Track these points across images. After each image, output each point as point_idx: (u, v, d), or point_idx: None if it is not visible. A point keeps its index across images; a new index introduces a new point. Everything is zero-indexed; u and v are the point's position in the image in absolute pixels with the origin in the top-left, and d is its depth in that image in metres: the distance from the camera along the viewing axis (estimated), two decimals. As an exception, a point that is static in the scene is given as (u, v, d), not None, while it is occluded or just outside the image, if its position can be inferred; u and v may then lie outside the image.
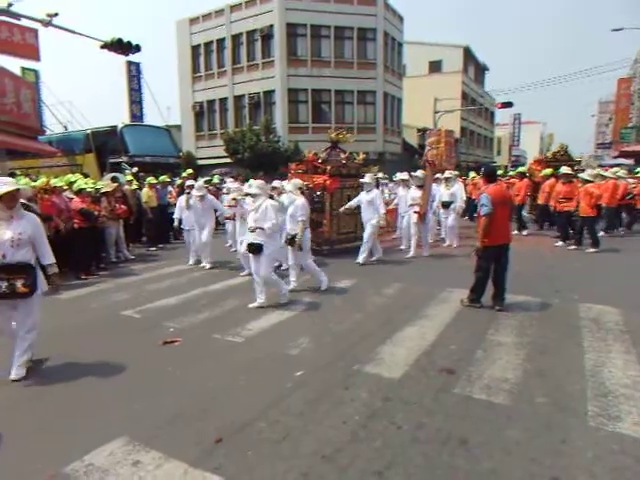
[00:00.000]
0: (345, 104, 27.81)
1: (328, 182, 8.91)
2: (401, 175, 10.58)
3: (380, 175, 12.64)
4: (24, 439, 3.00)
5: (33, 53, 16.48)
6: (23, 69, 21.30)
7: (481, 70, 48.62)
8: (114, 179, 11.15)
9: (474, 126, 45.28)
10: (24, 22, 15.04)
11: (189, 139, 30.86)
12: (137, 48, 13.14)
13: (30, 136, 14.70)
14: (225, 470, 2.61)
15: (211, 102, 29.90)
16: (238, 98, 28.61)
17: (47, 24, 12.17)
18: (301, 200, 6.35)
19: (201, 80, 30.23)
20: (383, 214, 8.19)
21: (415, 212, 8.83)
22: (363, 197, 8.41)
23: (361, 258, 8.32)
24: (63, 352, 4.52)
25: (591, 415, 3.14)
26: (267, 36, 26.59)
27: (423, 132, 31.51)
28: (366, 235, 8.34)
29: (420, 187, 9.02)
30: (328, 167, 9.17)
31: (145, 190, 11.08)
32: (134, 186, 11.36)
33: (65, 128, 22.18)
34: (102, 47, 12.62)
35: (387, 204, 9.95)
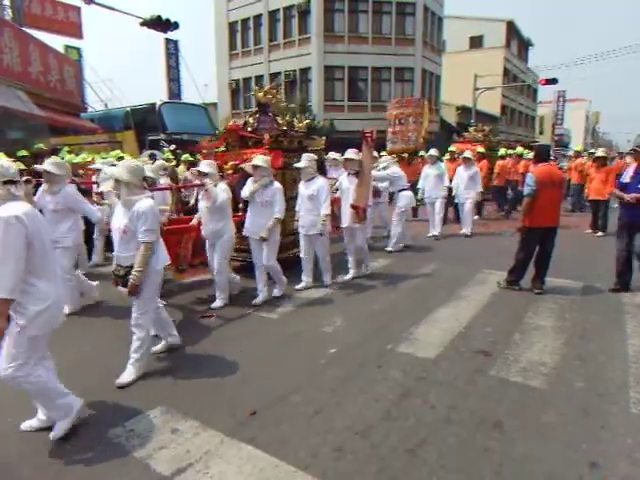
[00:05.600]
0: (382, 81, 27.15)
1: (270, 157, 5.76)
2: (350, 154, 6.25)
3: (335, 155, 8.94)
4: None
5: (76, 31, 16.91)
6: (66, 47, 21.78)
7: (525, 46, 46.32)
8: (152, 156, 11.38)
9: (515, 104, 43.44)
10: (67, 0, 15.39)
11: (225, 117, 31.02)
12: (175, 25, 13.23)
13: (73, 113, 15.15)
14: (260, 441, 2.67)
15: (247, 80, 29.85)
16: (274, 75, 28.40)
17: (89, 1, 12.37)
18: (147, 202, 3.33)
19: (238, 57, 30.16)
20: (325, 215, 5.41)
21: (351, 206, 5.85)
22: (302, 190, 5.65)
23: (328, 279, 5.89)
24: (106, 319, 4.73)
25: (633, 402, 3.04)
26: (304, 12, 26.11)
27: (462, 110, 30.52)
28: (321, 252, 5.72)
29: (355, 174, 5.96)
30: (266, 136, 6.07)
31: (181, 168, 11.23)
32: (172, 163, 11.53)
33: (105, 105, 22.71)
34: (141, 24, 12.77)
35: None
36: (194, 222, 5.31)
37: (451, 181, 9.12)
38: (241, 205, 6.13)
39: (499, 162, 12.10)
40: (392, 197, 7.62)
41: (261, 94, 6.66)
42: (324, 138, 7.39)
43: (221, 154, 6.48)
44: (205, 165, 4.93)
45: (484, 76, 27.77)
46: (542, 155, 5.47)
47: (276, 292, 5.42)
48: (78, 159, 8.00)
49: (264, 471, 2.43)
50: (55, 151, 9.87)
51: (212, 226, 4.91)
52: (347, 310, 4.96)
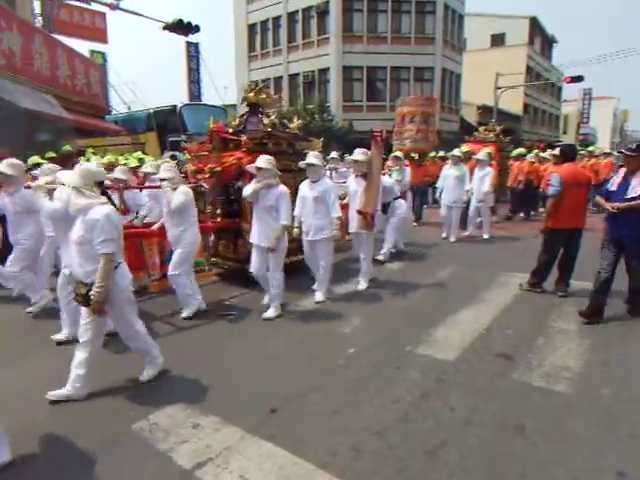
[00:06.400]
0: (401, 81, 27.01)
1: (245, 161, 5.37)
2: (357, 155, 5.79)
3: (335, 154, 9.26)
4: (95, 399, 3.24)
5: (101, 36, 17.36)
6: (92, 52, 22.32)
7: (549, 42, 45.45)
8: (173, 157, 11.56)
9: (538, 102, 42.65)
10: (93, 6, 15.78)
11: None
12: (196, 28, 13.44)
13: (98, 115, 15.52)
14: (279, 439, 2.69)
15: (266, 81, 30.06)
16: (293, 77, 28.55)
17: (114, 7, 12.67)
18: (102, 209, 3.03)
19: (257, 59, 30.39)
20: (337, 219, 5.05)
21: (358, 212, 5.53)
22: (306, 192, 5.19)
23: (320, 295, 5.28)
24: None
25: (663, 411, 2.95)
26: (323, 12, 26.17)
27: (483, 110, 30.11)
28: (323, 259, 5.18)
29: (363, 176, 5.64)
30: (243, 137, 5.69)
31: None
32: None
33: (129, 108, 23.17)
34: (164, 28, 13.02)
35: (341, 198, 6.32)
36: (155, 227, 5.13)
37: None
38: (219, 211, 5.99)
39: (516, 163, 11.84)
40: (386, 209, 7.02)
41: (251, 94, 6.16)
42: (321, 140, 6.76)
43: (205, 157, 6.07)
44: (164, 171, 4.77)
45: (506, 74, 27.34)
46: (567, 155, 5.37)
47: (269, 313, 4.79)
48: (104, 161, 8.18)
49: (283, 468, 2.45)
50: (81, 153, 10.12)
51: (172, 231, 4.73)
52: (365, 311, 4.95)
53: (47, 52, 12.00)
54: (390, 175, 7.78)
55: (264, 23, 29.57)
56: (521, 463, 2.47)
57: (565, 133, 51.54)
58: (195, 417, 2.95)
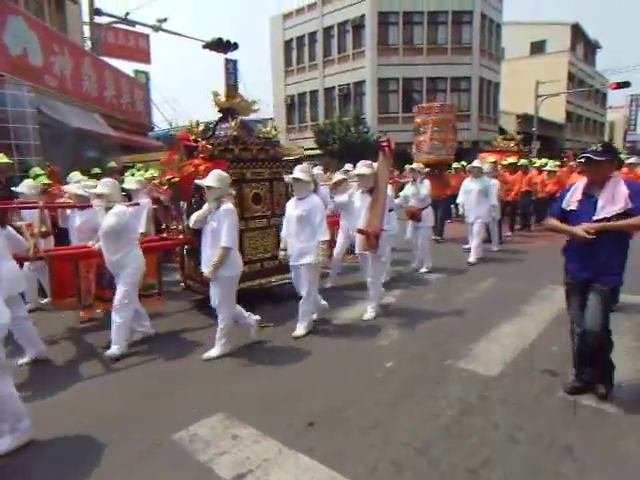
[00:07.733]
0: (437, 92, 26.76)
1: (203, 168, 4.76)
2: (361, 168, 5.12)
3: (349, 167, 7.72)
4: (138, 407, 3.32)
5: (145, 57, 18.18)
6: (136, 71, 23.35)
7: (592, 48, 44.02)
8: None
9: (582, 110, 41.24)
10: (138, 28, 16.57)
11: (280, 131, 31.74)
12: (235, 46, 13.88)
13: (141, 132, 16.21)
14: (317, 453, 2.67)
15: (302, 95, 30.53)
16: (328, 90, 28.86)
17: (157, 29, 13.25)
18: None
19: (293, 74, 30.95)
20: (323, 242, 4.39)
21: (359, 231, 4.95)
22: (290, 210, 4.59)
23: (301, 328, 4.63)
24: (170, 330, 4.94)
25: None
26: (358, 26, 26.44)
27: (523, 119, 29.38)
28: (304, 284, 4.54)
29: (370, 191, 4.98)
30: (201, 143, 5.10)
31: None
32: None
33: (170, 124, 24.00)
34: (204, 47, 13.50)
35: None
36: (96, 246, 4.47)
37: None
38: (181, 227, 5.47)
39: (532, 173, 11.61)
40: None
41: (222, 100, 5.50)
42: (302, 148, 6.12)
43: (171, 168, 5.57)
44: (101, 185, 4.21)
45: (547, 82, 26.64)
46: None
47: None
48: (147, 175, 8.48)
49: (322, 483, 2.43)
50: (125, 169, 10.54)
51: (109, 257, 4.14)
52: (403, 324, 4.88)
53: (95, 74, 12.67)
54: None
55: (300, 39, 30.13)
56: (571, 486, 2.35)
57: (611, 141, 49.52)
58: (234, 429, 2.97)
